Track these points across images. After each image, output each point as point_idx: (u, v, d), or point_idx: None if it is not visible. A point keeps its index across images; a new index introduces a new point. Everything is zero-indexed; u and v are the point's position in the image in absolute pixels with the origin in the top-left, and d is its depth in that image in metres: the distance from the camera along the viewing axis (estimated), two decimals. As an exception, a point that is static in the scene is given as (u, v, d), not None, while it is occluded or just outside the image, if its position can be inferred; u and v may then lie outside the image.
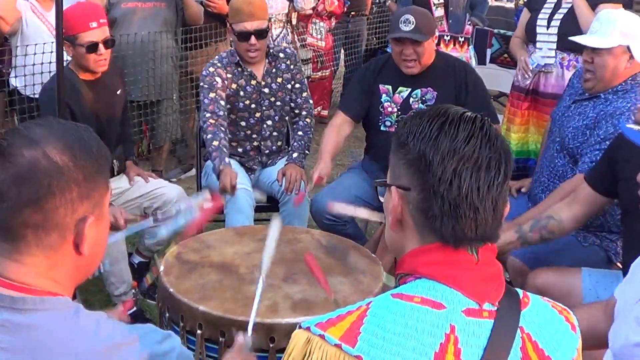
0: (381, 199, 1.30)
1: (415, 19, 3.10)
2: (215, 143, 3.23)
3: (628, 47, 2.77)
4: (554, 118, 3.13)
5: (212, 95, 3.34)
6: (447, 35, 5.43)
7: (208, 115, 3.31)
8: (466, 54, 5.46)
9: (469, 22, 5.59)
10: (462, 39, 5.58)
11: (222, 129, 3.30)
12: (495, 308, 1.13)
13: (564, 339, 1.18)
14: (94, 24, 3.09)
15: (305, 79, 3.67)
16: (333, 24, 6.29)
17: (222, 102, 3.36)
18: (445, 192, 1.11)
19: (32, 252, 1.11)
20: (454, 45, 5.52)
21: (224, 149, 3.23)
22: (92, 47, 3.08)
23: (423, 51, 3.17)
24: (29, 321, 1.09)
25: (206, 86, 3.36)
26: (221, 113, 3.33)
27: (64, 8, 2.88)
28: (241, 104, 3.45)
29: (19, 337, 1.08)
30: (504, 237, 2.50)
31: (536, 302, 1.20)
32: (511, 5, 7.10)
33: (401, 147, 1.18)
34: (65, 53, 2.94)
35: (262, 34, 3.33)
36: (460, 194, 1.10)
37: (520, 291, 1.20)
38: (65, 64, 2.96)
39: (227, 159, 3.20)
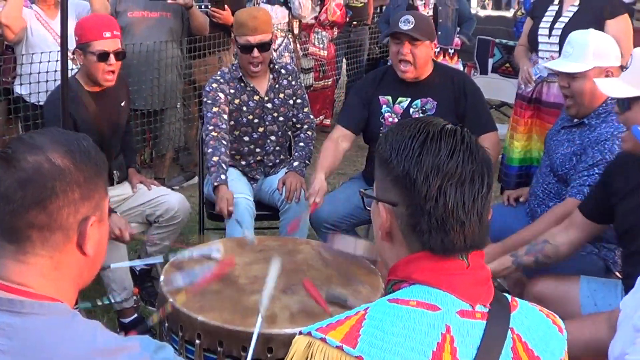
0: (368, 208, 1.32)
1: (415, 20, 3.14)
2: (215, 158, 3.25)
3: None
4: (546, 139, 3.14)
5: (215, 109, 3.38)
6: (437, 48, 5.46)
7: (211, 127, 3.34)
8: (456, 65, 5.48)
9: (457, 36, 5.61)
10: (452, 51, 5.60)
11: (224, 142, 3.33)
12: (487, 310, 1.16)
13: (552, 340, 1.22)
14: (108, 34, 3.11)
15: (306, 94, 3.69)
16: (335, 33, 6.31)
17: (225, 116, 3.39)
18: (432, 209, 1.13)
19: (36, 252, 1.15)
20: (444, 57, 5.55)
21: (223, 165, 3.25)
22: (103, 56, 3.09)
23: (420, 54, 3.18)
24: (26, 324, 1.11)
25: (209, 101, 3.40)
26: (224, 126, 3.36)
27: (79, 19, 2.87)
28: (244, 119, 3.47)
29: (16, 340, 1.09)
30: (500, 262, 2.53)
31: (524, 305, 1.24)
32: (510, 15, 7.13)
33: (385, 163, 1.20)
34: (71, 63, 2.95)
35: (265, 46, 3.36)
36: (446, 210, 1.13)
37: (508, 295, 1.23)
38: (71, 74, 2.97)
39: (223, 176, 3.21)
